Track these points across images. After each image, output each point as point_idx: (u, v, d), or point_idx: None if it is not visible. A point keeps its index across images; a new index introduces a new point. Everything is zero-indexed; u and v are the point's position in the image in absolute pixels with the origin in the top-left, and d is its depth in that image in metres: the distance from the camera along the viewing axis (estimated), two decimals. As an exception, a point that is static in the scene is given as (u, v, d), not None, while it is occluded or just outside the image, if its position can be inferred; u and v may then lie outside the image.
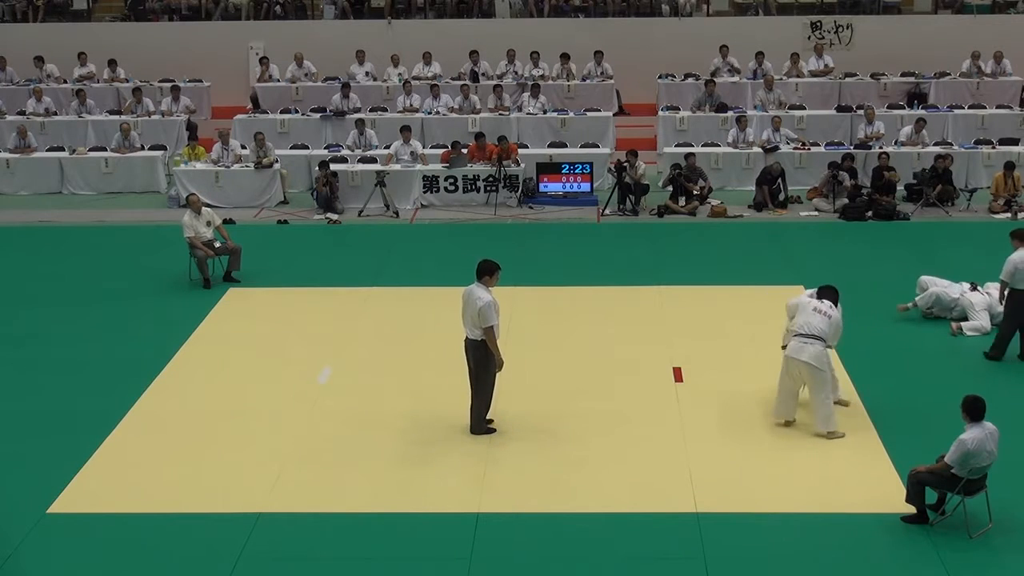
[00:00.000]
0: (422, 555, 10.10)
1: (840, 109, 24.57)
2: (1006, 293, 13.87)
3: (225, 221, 18.76)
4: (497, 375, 12.05)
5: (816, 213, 20.76)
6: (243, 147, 22.45)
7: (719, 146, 22.91)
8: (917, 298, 15.54)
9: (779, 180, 21.05)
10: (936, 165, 20.88)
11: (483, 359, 11.89)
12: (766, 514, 10.63)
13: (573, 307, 16.09)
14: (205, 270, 16.99)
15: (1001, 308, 14.31)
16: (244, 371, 14.08)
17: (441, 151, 22.15)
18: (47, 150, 23.38)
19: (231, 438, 12.28)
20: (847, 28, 27.14)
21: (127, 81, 26.40)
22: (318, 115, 24.43)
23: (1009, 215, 20.21)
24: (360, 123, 23.02)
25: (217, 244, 17.25)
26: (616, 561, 9.97)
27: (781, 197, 21.03)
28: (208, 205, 18.37)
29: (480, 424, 12.17)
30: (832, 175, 20.69)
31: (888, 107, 24.50)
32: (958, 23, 27.22)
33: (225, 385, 13.69)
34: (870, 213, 20.32)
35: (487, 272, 11.96)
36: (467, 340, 11.94)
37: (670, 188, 21.12)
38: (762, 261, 18.15)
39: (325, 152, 22.66)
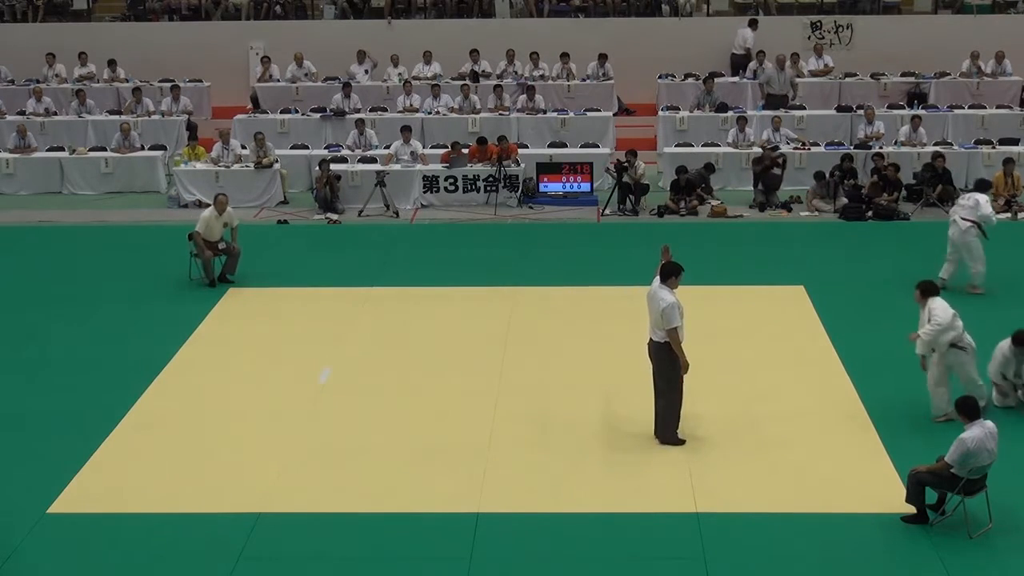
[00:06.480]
0: (422, 555, 10.10)
1: (840, 109, 24.53)
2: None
3: (225, 221, 18.76)
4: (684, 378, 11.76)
5: (816, 213, 20.76)
6: (243, 147, 22.44)
7: (719, 146, 22.90)
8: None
9: (774, 166, 21.01)
10: (935, 165, 20.87)
11: (666, 361, 11.65)
12: (766, 514, 10.63)
13: (573, 307, 16.08)
14: (210, 270, 16.98)
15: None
16: (244, 371, 14.08)
17: (441, 151, 22.14)
18: (47, 150, 23.36)
19: (231, 438, 12.28)
20: (847, 28, 27.11)
21: (127, 81, 26.36)
22: (318, 115, 24.41)
23: (1009, 215, 20.18)
24: (360, 123, 23.01)
25: (221, 245, 17.23)
26: (616, 561, 9.96)
27: (782, 199, 20.98)
28: (210, 205, 18.33)
29: (668, 430, 11.83)
30: (826, 183, 20.71)
31: (888, 107, 24.45)
32: (958, 23, 27.19)
33: (225, 385, 13.68)
34: (870, 213, 20.33)
35: (672, 273, 11.77)
36: (650, 342, 11.74)
37: (670, 190, 21.14)
38: (762, 261, 18.13)
39: (325, 152, 22.64)
